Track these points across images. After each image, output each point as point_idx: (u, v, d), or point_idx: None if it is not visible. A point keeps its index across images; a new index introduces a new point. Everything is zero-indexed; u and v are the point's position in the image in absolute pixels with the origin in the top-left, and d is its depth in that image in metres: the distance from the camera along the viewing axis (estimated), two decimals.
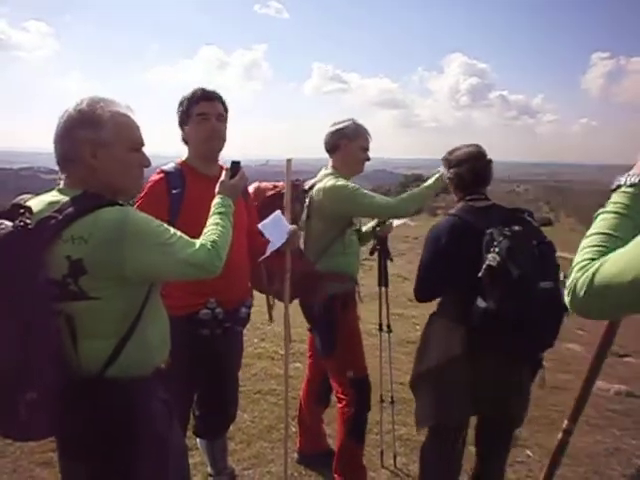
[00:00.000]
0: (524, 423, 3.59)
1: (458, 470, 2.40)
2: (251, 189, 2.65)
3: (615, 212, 1.17)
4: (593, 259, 1.09)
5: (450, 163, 2.33)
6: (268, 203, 2.59)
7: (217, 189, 1.88)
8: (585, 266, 1.09)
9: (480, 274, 1.98)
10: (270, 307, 2.60)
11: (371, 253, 3.15)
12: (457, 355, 2.14)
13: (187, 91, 2.25)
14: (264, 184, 2.73)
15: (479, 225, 2.10)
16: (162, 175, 2.21)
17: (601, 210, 1.21)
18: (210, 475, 2.74)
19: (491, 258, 1.96)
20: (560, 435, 1.77)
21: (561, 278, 1.98)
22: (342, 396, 2.70)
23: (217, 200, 1.84)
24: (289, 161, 2.38)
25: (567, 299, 1.12)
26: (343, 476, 2.72)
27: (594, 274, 1.05)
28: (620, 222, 1.15)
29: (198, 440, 2.66)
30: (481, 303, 2.01)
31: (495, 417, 2.26)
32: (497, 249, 1.96)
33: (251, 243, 2.36)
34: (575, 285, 1.08)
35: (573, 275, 1.10)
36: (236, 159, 2.02)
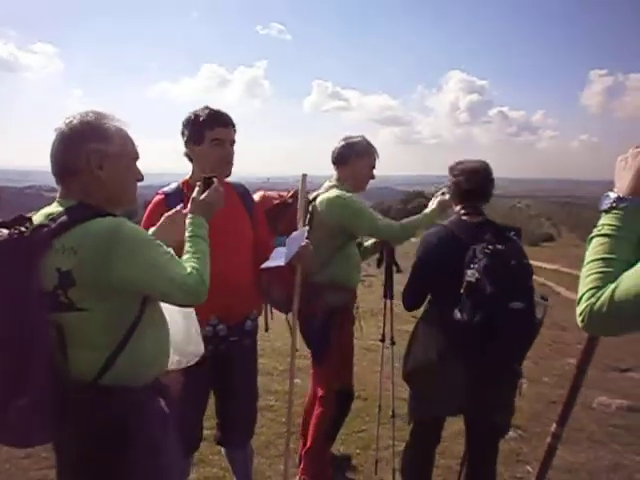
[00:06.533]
0: (524, 438, 3.62)
1: (431, 463, 2.57)
2: (257, 197, 2.66)
3: (609, 235, 1.20)
4: (599, 287, 1.14)
5: (452, 172, 2.43)
6: (273, 211, 2.63)
7: (188, 207, 1.78)
8: (595, 294, 1.13)
9: (462, 290, 2.09)
10: (267, 316, 2.62)
11: (378, 265, 3.15)
12: (433, 360, 2.28)
13: (198, 108, 2.25)
14: (269, 193, 2.76)
15: (466, 240, 2.19)
16: (162, 197, 2.27)
17: (595, 233, 1.23)
18: None
19: (470, 274, 2.08)
20: (549, 439, 1.80)
21: (536, 299, 2.10)
22: (324, 403, 2.81)
23: (188, 221, 1.71)
24: (304, 176, 2.43)
25: (583, 323, 1.16)
26: (308, 475, 2.83)
27: (613, 292, 1.10)
28: (616, 244, 1.18)
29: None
30: (456, 314, 2.12)
31: (478, 423, 2.38)
32: (476, 266, 2.07)
33: (260, 256, 2.36)
34: (592, 309, 1.13)
35: (584, 304, 1.15)
36: (208, 174, 1.89)
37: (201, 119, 2.20)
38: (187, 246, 1.63)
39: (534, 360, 5.73)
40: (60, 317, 1.41)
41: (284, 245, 2.35)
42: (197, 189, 1.80)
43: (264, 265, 2.31)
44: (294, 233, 2.36)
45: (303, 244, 2.33)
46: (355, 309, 2.95)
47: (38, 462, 2.97)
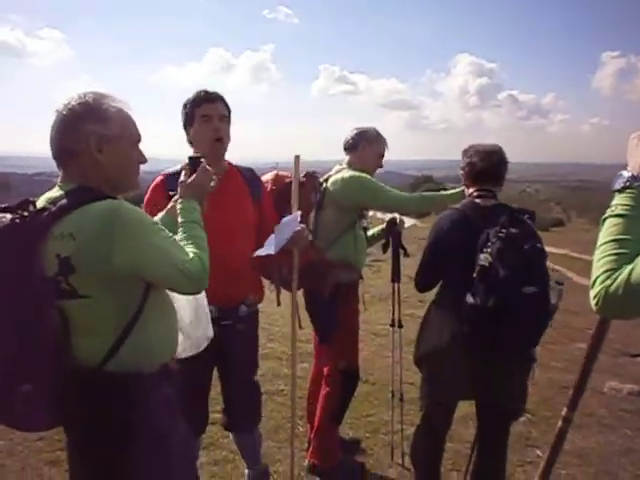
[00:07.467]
0: (533, 423, 3.62)
1: (442, 447, 2.57)
2: (270, 176, 2.68)
3: (623, 215, 1.17)
4: (614, 269, 1.11)
5: (466, 154, 2.43)
6: (286, 189, 2.61)
7: (178, 192, 1.72)
8: (610, 276, 1.11)
9: (475, 274, 2.09)
10: (278, 292, 2.60)
11: (384, 250, 3.18)
12: (447, 344, 2.27)
13: (190, 94, 2.31)
14: (282, 172, 2.76)
15: (479, 223, 2.17)
16: (162, 178, 2.28)
17: (608, 214, 1.21)
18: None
19: (483, 258, 2.07)
20: (559, 423, 1.78)
21: (551, 285, 2.09)
22: (330, 382, 2.88)
23: (178, 206, 1.66)
24: (297, 157, 2.41)
25: (597, 306, 1.14)
26: (317, 457, 2.90)
27: (630, 274, 1.07)
28: (630, 224, 1.16)
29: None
30: (469, 298, 2.12)
31: (490, 407, 2.38)
32: (489, 250, 2.05)
33: (263, 242, 2.34)
34: (607, 291, 1.10)
35: (598, 286, 1.12)
36: (194, 154, 1.84)
37: (190, 100, 2.28)
38: (180, 232, 1.57)
39: (543, 345, 5.70)
40: (63, 304, 1.40)
41: None
42: (184, 171, 1.75)
43: (256, 253, 2.29)
44: (285, 219, 2.33)
45: (298, 228, 2.32)
46: (359, 289, 3.01)
47: (51, 444, 3.02)
